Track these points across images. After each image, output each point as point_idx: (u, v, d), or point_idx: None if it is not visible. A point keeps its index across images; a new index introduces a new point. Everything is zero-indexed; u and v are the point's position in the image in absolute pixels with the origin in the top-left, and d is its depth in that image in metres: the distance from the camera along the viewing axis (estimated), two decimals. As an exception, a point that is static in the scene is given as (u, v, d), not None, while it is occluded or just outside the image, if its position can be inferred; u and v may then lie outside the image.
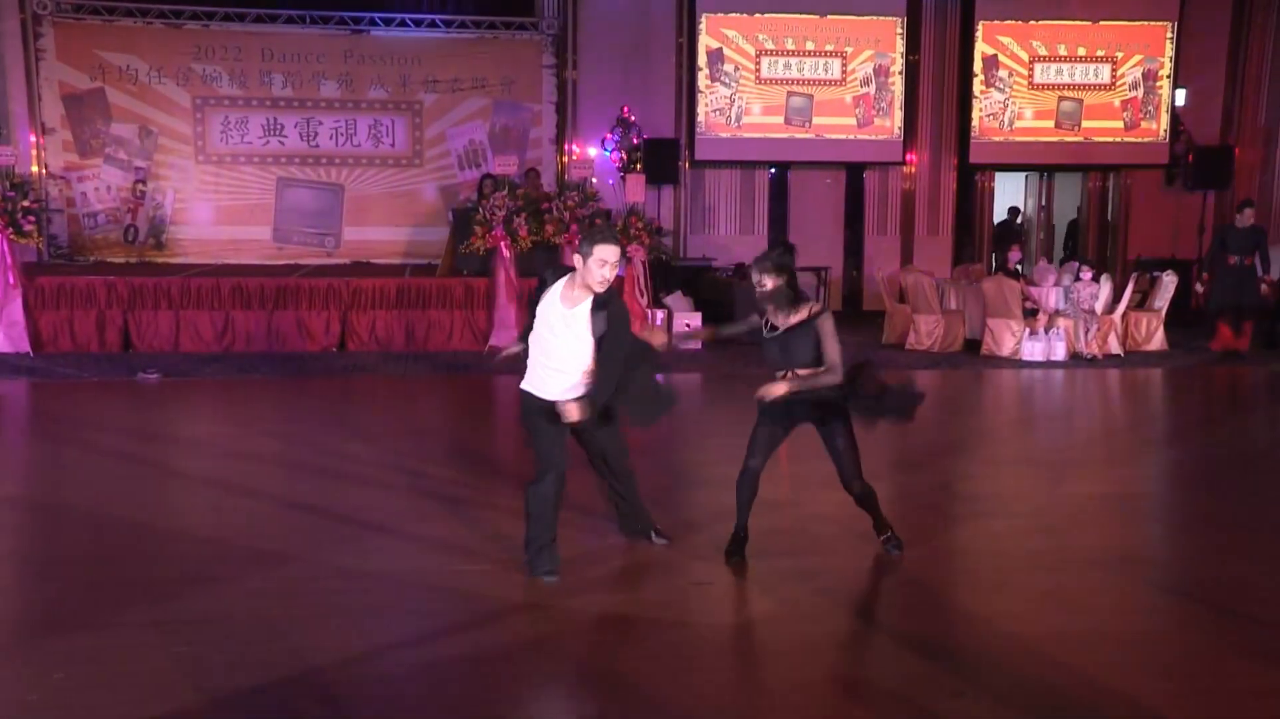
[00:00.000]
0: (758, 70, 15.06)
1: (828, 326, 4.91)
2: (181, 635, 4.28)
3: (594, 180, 14.06)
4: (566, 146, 15.20)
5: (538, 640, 4.30)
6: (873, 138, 15.38)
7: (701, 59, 14.93)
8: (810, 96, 15.20)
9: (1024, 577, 5.12)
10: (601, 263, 4.80)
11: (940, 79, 15.83)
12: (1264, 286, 12.48)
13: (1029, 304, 11.97)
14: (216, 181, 15.00)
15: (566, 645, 4.26)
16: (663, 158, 14.58)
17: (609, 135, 14.76)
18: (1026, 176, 17.65)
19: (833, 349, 4.89)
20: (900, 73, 15.31)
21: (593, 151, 15.05)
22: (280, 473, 6.89)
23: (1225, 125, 16.30)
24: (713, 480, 6.83)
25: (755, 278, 5.00)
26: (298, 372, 10.61)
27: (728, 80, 15.01)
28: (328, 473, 6.86)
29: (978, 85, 15.51)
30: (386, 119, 15.19)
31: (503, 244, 11.52)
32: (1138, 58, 15.64)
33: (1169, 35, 15.62)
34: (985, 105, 15.56)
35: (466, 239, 11.74)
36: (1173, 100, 15.69)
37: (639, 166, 14.35)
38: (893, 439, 7.88)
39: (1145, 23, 15.59)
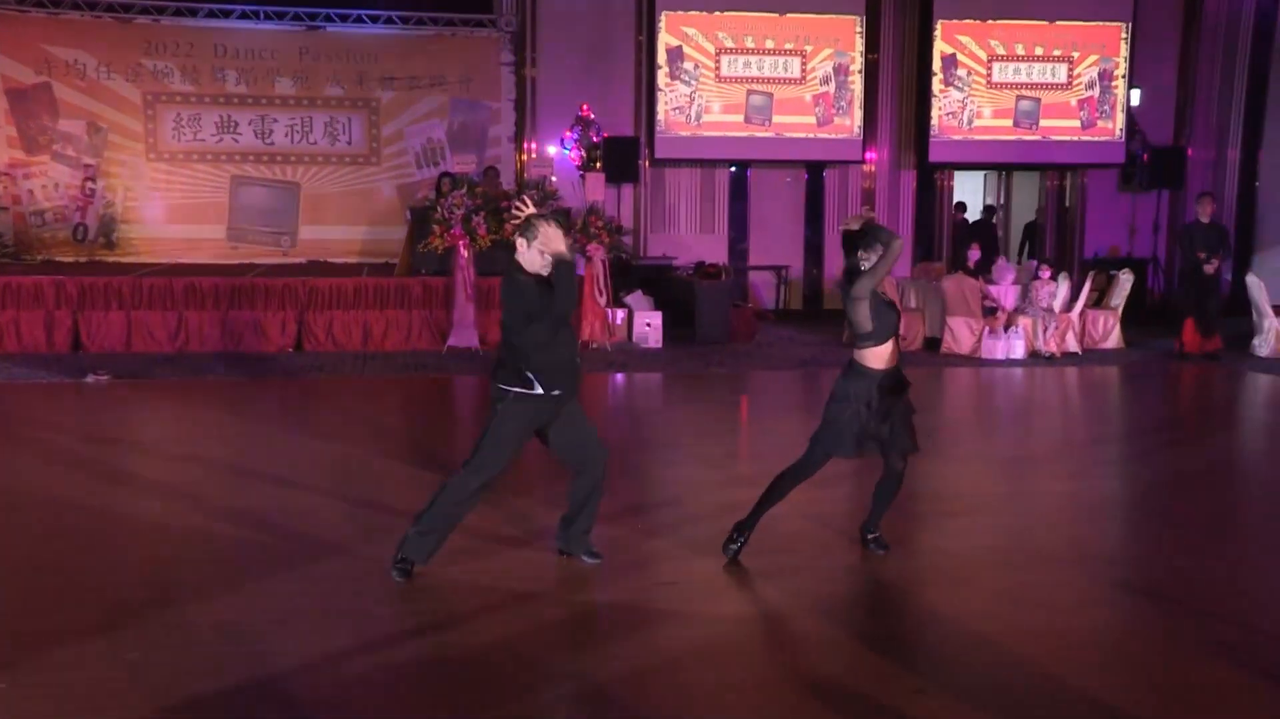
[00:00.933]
0: (717, 68, 15.10)
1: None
2: (133, 643, 4.21)
3: (553, 178, 14.08)
4: (526, 145, 15.16)
5: (505, 641, 4.27)
6: (832, 136, 15.47)
7: (661, 57, 14.94)
8: (770, 95, 15.25)
9: (985, 574, 5.17)
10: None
11: (899, 78, 15.96)
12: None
13: (988, 303, 12.11)
14: (169, 179, 14.80)
15: (530, 649, 4.24)
16: (623, 156, 14.57)
17: (568, 133, 14.72)
18: (985, 175, 17.84)
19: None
20: (860, 71, 15.40)
21: (552, 150, 15.02)
22: (234, 477, 6.81)
23: (1179, 125, 16.57)
24: (678, 480, 6.84)
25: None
26: (253, 373, 10.49)
27: (687, 78, 15.03)
28: (283, 477, 6.78)
29: (937, 84, 15.64)
30: (343, 116, 15.06)
31: (461, 243, 11.48)
32: (1094, 57, 15.85)
33: (1124, 35, 15.85)
34: (944, 104, 15.70)
35: (424, 238, 11.70)
36: (1128, 100, 15.92)
37: (599, 165, 14.37)
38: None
39: (1100, 23, 15.80)
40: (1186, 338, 12.18)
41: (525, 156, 15.11)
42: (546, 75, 15.10)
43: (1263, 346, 12.10)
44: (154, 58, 14.56)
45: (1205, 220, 12.15)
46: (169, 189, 14.80)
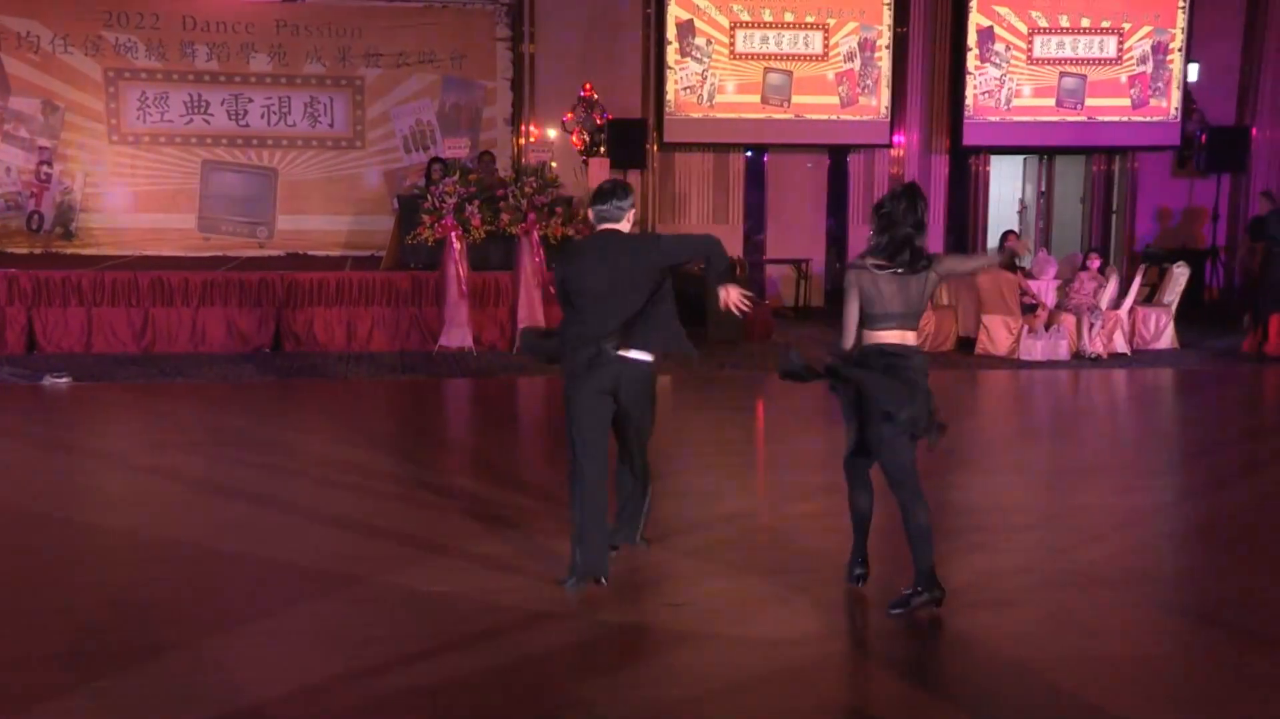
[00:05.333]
0: (732, 44, 15.13)
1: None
2: (100, 670, 4.26)
3: (554, 164, 14.09)
4: (523, 127, 15.20)
5: (506, 668, 4.31)
6: (857, 118, 15.49)
7: (670, 32, 14.98)
8: (789, 73, 15.28)
9: (1025, 596, 5.20)
10: None
11: (931, 54, 15.96)
12: None
13: (1028, 299, 12.12)
14: (133, 164, 14.87)
15: (532, 676, 4.28)
16: (629, 140, 14.57)
17: (570, 115, 14.74)
18: (1025, 160, 17.83)
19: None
20: (887, 47, 15.42)
21: (552, 133, 15.05)
22: (208, 489, 6.86)
23: (1241, 103, 16.54)
24: (686, 491, 6.88)
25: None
26: (226, 376, 10.55)
27: (699, 55, 15.07)
28: (262, 489, 6.83)
29: (972, 60, 15.65)
30: (324, 96, 15.12)
31: (453, 234, 11.49)
32: (1146, 29, 15.83)
33: (1181, 4, 15.82)
34: (980, 82, 15.70)
35: (413, 229, 11.71)
36: (1184, 76, 15.90)
37: (603, 149, 14.39)
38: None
39: (1155, -9, 15.80)
40: (1275, 336, 12.00)
41: (523, 140, 15.14)
42: (546, 52, 15.14)
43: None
44: (116, 30, 14.64)
45: None
46: (133, 174, 14.88)
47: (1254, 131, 16.35)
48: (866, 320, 4.90)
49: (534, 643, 4.58)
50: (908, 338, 4.87)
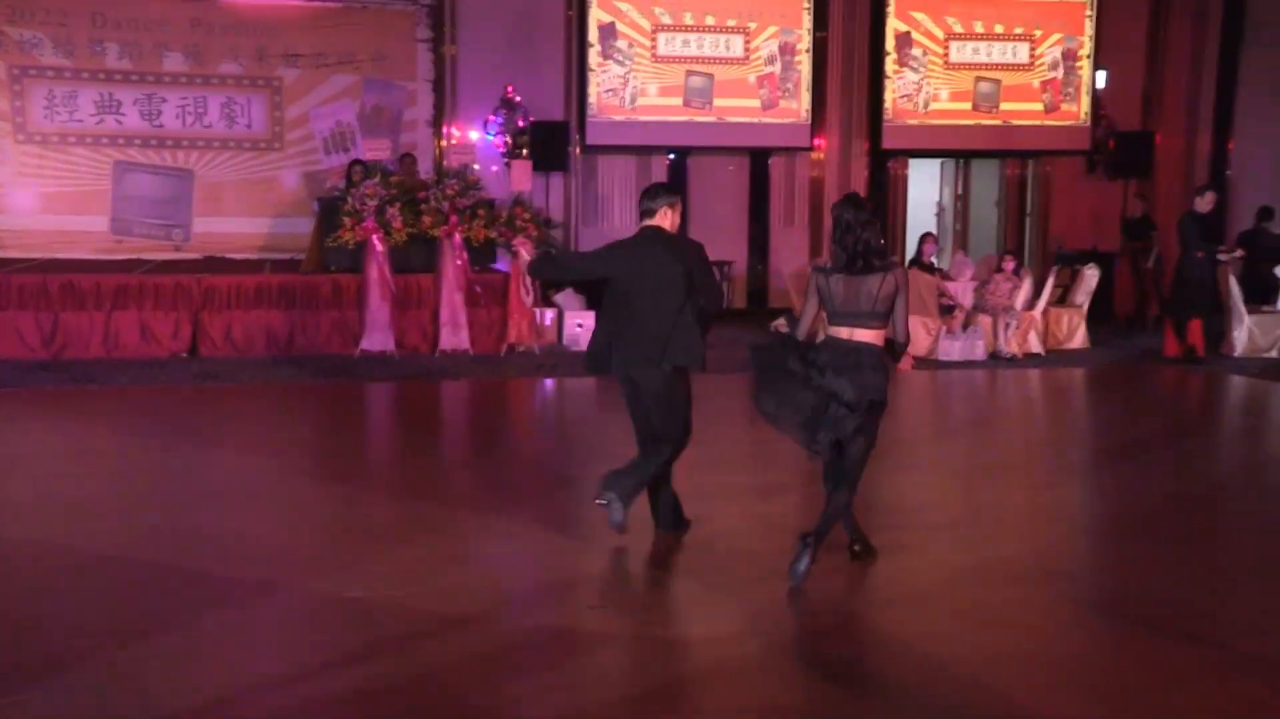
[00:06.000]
0: (654, 47, 15.16)
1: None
2: (16, 688, 4.13)
3: (476, 167, 14.00)
4: (445, 129, 15.08)
5: (434, 672, 4.26)
6: (778, 121, 15.61)
7: (592, 35, 14.97)
8: (711, 76, 15.35)
9: (946, 593, 5.26)
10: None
11: (850, 58, 16.13)
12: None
13: (945, 300, 12.31)
14: (41, 164, 14.46)
15: (458, 680, 4.23)
16: (551, 142, 14.52)
17: (492, 117, 14.67)
18: (942, 163, 18.10)
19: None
20: (807, 51, 15.56)
21: (474, 135, 14.95)
22: (126, 498, 6.70)
23: (1146, 109, 16.98)
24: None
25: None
26: (141, 381, 10.32)
27: (621, 58, 15.07)
28: (181, 496, 6.70)
29: (890, 65, 15.86)
30: (241, 97, 14.85)
31: (375, 237, 11.39)
32: (1057, 36, 16.18)
33: (1088, 13, 16.20)
34: (899, 86, 15.92)
35: (334, 231, 11.60)
36: (1093, 82, 16.27)
37: (525, 152, 14.28)
38: (788, 444, 8.02)
39: (1064, -1, 16.15)
40: (1196, 339, 12.00)
41: (445, 142, 15.03)
42: (467, 54, 15.03)
43: (1237, 346, 12.41)
44: (20, 25, 14.21)
45: (1204, 212, 12.04)
46: (41, 175, 14.46)
47: (1158, 138, 16.80)
48: (827, 318, 5.31)
49: (455, 647, 4.53)
50: (856, 334, 5.18)
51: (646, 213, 5.70)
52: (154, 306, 11.55)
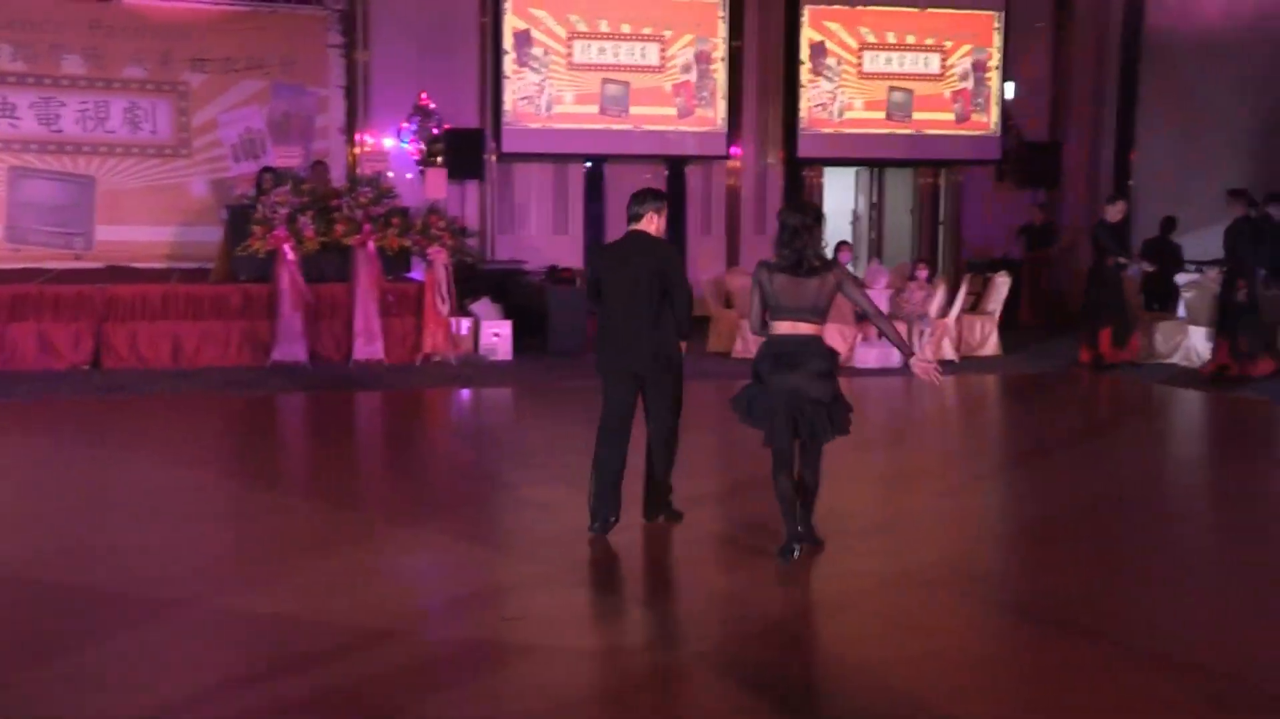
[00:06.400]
0: (570, 55, 15.16)
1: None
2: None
3: (390, 174, 13.90)
4: (358, 136, 14.93)
5: (347, 687, 4.19)
6: (694, 129, 15.71)
7: (508, 41, 14.93)
8: (627, 84, 15.40)
9: (863, 599, 5.31)
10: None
11: (765, 67, 16.31)
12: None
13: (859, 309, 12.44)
14: (-69, 171, 14.00)
15: (372, 695, 4.17)
16: (466, 150, 14.47)
17: (406, 124, 14.57)
18: (857, 172, 18.38)
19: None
20: (723, 59, 15.69)
21: (388, 142, 14.84)
22: (18, 517, 6.50)
23: (1053, 120, 17.42)
24: (524, 503, 6.84)
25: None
26: (39, 393, 10.03)
27: (537, 65, 15.05)
28: (86, 512, 6.51)
29: (805, 74, 16.05)
30: (146, 101, 14.52)
31: (286, 246, 11.28)
32: (966, 47, 16.52)
33: (996, 25, 16.58)
34: (813, 95, 16.12)
35: (243, 240, 11.46)
36: (1002, 93, 16.65)
37: (440, 160, 14.24)
38: (719, 454, 8.08)
39: (972, 11, 16.49)
40: (1104, 348, 12.24)
41: (357, 149, 14.88)
42: (380, 60, 14.90)
43: (1142, 352, 12.71)
44: (-94, 26, 13.74)
45: (1114, 221, 12.29)
46: (-69, 182, 14.01)
47: (1064, 147, 17.24)
48: (770, 313, 5.58)
49: (370, 662, 4.46)
50: (798, 328, 5.51)
51: (633, 217, 5.97)
52: (54, 317, 11.27)
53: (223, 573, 5.52)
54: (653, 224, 5.97)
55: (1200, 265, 13.42)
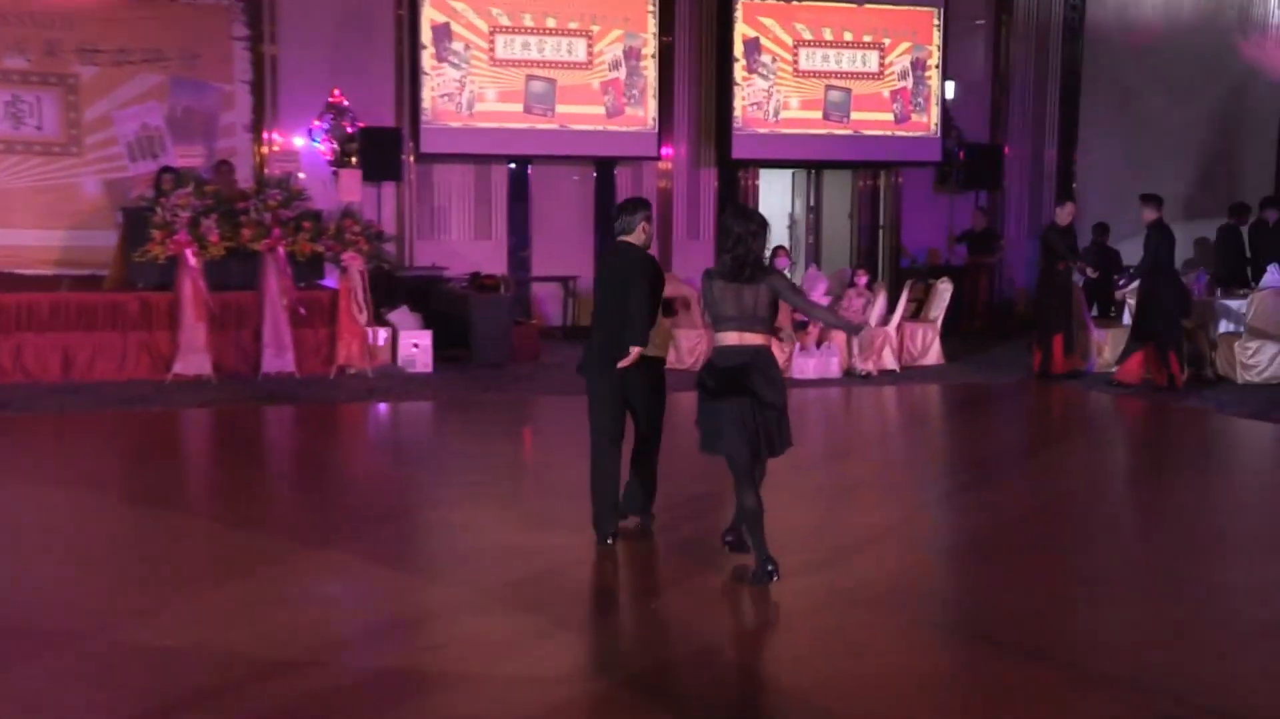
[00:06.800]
0: (492, 50, 15.11)
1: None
2: None
3: (301, 175, 13.75)
4: (266, 135, 14.74)
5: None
6: (624, 129, 15.73)
7: (425, 35, 14.84)
8: (553, 81, 15.38)
9: (801, 619, 5.34)
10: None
11: (698, 64, 16.39)
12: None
13: (799, 316, 12.55)
14: None
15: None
16: (383, 150, 14.36)
17: (317, 123, 14.41)
18: (794, 174, 18.53)
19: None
20: (653, 56, 15.74)
21: (298, 141, 14.68)
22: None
23: (994, 122, 17.72)
24: (445, 524, 6.78)
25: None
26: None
27: (457, 61, 14.98)
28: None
29: (739, 71, 16.15)
30: (30, 95, 14.20)
31: (188, 251, 11.13)
32: (905, 45, 16.73)
33: (936, 22, 16.80)
34: (748, 94, 16.22)
35: (142, 245, 11.30)
36: (942, 93, 16.90)
37: (354, 160, 14.14)
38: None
39: (912, 8, 16.71)
40: (1058, 355, 12.35)
41: (266, 149, 14.69)
42: (290, 54, 14.73)
43: (1091, 360, 12.94)
44: None
45: (1064, 225, 12.43)
46: None
47: (1006, 149, 17.55)
48: (713, 322, 5.83)
49: (278, 696, 4.39)
50: (745, 338, 5.69)
51: (624, 229, 6.29)
52: (-70, 328, 11.00)
53: (115, 604, 5.40)
54: (642, 235, 6.29)
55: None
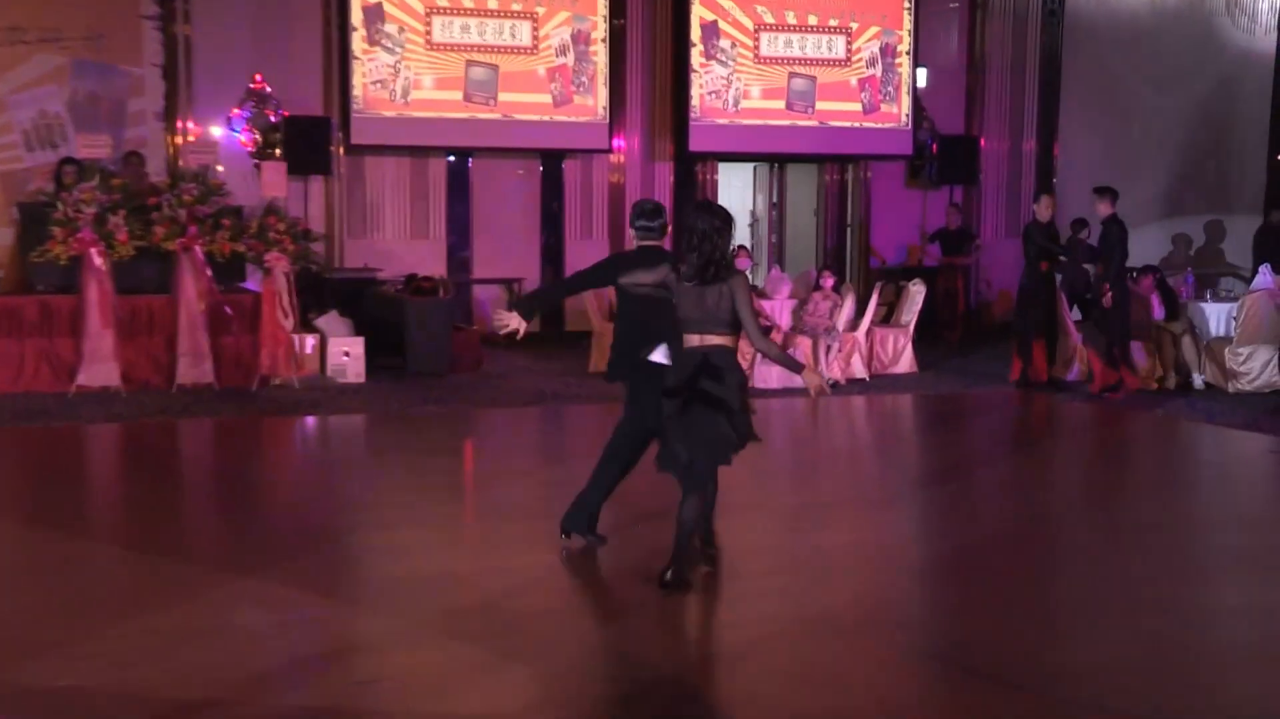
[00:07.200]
0: (428, 33, 15.08)
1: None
2: None
3: (219, 168, 13.66)
4: (180, 124, 14.66)
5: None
6: (572, 119, 15.75)
7: (356, 17, 14.80)
8: (495, 68, 15.37)
9: (762, 649, 5.33)
10: None
11: (652, 49, 16.43)
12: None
13: (762, 321, 12.58)
14: None
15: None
16: (310, 141, 14.37)
17: (237, 111, 14.38)
18: (755, 168, 18.62)
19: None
20: (603, 40, 15.77)
21: (216, 131, 14.63)
22: None
23: (969, 111, 17.90)
24: (380, 548, 6.75)
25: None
26: None
27: (391, 44, 14.93)
28: None
29: (696, 57, 16.21)
30: (-91, 77, 14.04)
31: (93, 250, 11.06)
32: (874, 29, 16.87)
33: (906, 5, 16.97)
34: (706, 81, 16.29)
35: (41, 244, 11.23)
36: (913, 81, 17.03)
37: (278, 152, 14.09)
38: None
39: (881, -10, 16.87)
40: (1040, 363, 12.47)
41: (180, 139, 14.61)
42: (206, 35, 14.64)
43: (1068, 369, 13.09)
44: None
45: (1045, 220, 12.50)
46: None
47: (982, 142, 17.72)
48: (681, 324, 5.94)
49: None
50: (707, 340, 5.83)
51: (659, 232, 6.46)
52: None
53: (13, 639, 5.32)
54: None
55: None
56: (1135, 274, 13.12)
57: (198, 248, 11.38)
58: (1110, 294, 11.71)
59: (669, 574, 5.81)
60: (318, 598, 5.85)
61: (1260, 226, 15.39)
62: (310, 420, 10.76)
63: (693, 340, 5.87)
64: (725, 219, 5.91)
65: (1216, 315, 12.88)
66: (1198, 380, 12.64)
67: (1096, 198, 12.12)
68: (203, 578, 6.11)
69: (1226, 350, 12.39)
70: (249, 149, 14.39)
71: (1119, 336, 11.89)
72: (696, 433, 5.79)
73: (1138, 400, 11.83)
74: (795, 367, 6.10)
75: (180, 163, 14.10)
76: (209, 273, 11.54)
